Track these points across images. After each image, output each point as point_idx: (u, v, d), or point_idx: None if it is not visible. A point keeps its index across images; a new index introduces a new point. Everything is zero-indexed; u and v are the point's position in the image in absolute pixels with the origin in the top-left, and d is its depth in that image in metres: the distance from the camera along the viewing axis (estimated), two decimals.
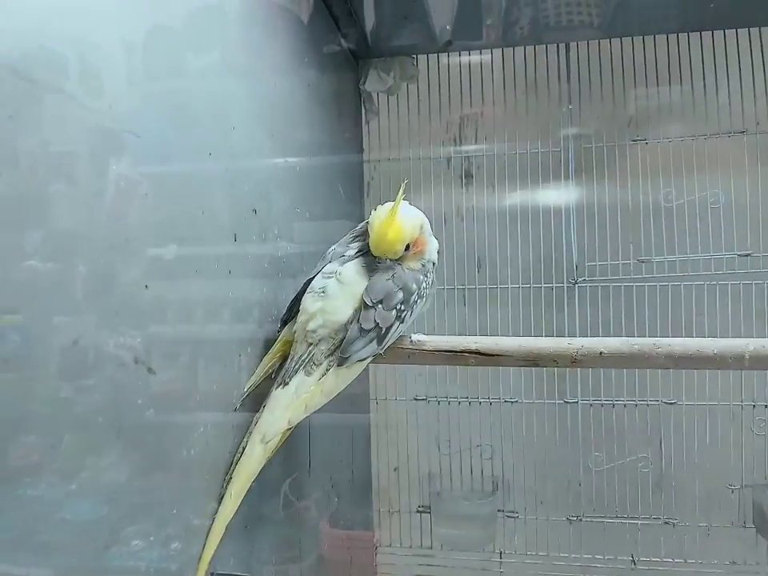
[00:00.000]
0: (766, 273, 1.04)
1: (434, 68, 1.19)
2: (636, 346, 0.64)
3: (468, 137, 1.21)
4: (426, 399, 1.17)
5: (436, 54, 1.19)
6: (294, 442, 0.64)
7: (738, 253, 1.05)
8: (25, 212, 0.36)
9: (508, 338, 0.68)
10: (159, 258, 0.49)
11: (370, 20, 1.07)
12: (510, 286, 1.14)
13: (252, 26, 0.70)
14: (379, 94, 1.21)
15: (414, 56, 1.20)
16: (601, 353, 0.64)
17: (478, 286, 1.15)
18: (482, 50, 1.17)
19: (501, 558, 1.16)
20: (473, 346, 0.66)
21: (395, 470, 1.22)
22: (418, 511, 1.21)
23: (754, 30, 1.07)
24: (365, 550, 1.19)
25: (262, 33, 0.73)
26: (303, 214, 0.84)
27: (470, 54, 1.18)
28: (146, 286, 0.47)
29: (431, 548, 1.20)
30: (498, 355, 0.66)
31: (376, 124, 1.22)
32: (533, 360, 0.66)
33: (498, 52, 1.17)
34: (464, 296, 1.16)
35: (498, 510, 1.16)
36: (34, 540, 0.36)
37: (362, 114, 1.23)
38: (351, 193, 1.13)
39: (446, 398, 1.17)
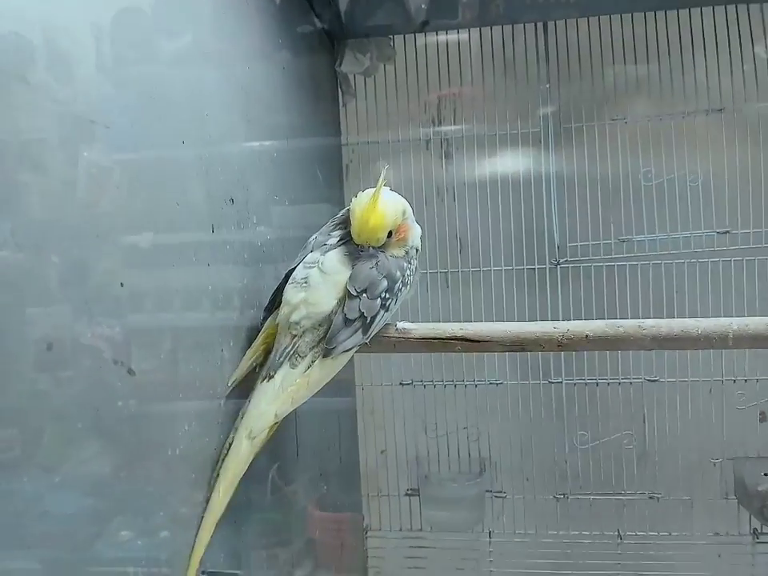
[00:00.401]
0: (744, 249, 1.05)
1: (410, 48, 1.17)
2: (621, 328, 0.64)
3: (446, 117, 1.19)
4: (411, 384, 1.17)
5: (413, 35, 1.16)
6: (281, 428, 0.63)
7: (717, 230, 1.06)
8: None
9: (493, 323, 0.68)
10: (134, 247, 0.48)
11: (344, 0, 1.05)
12: (492, 268, 1.13)
13: (224, 8, 0.67)
14: (356, 75, 1.19)
15: (391, 37, 1.17)
16: (587, 336, 0.65)
17: (460, 269, 1.15)
18: (459, 30, 1.15)
19: (490, 538, 1.17)
20: (459, 333, 0.66)
21: (382, 452, 1.22)
22: (406, 494, 1.22)
23: (731, 8, 1.06)
24: (354, 534, 1.20)
25: (235, 15, 0.70)
26: (282, 200, 0.82)
27: (447, 34, 1.16)
28: (122, 284, 0.45)
29: (421, 530, 1.21)
30: (484, 341, 0.66)
31: (353, 106, 1.20)
32: (519, 345, 0.65)
33: (475, 32, 1.15)
34: (446, 279, 1.16)
35: (486, 491, 1.17)
36: (19, 533, 0.36)
37: (338, 97, 1.20)
38: (330, 177, 1.12)
39: (432, 381, 1.17)
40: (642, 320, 0.65)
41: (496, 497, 1.18)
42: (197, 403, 0.57)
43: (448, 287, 1.16)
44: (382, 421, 1.21)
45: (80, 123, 0.42)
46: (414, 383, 1.17)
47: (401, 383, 1.17)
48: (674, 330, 0.64)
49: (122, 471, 0.45)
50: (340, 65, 1.17)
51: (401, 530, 1.21)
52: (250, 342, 0.66)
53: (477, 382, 1.15)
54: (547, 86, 1.12)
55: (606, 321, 0.66)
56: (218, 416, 0.59)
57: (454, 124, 1.19)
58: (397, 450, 1.21)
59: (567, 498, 1.15)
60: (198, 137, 0.59)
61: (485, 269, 1.14)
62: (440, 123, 1.20)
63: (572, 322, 0.67)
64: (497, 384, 1.14)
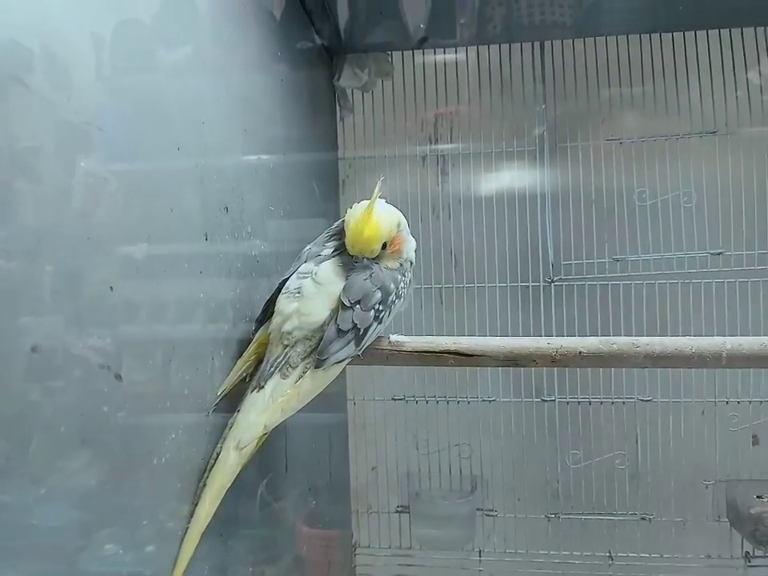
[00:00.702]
0: (737, 271, 1.06)
1: (408, 65, 1.18)
2: (615, 346, 0.64)
3: (443, 135, 1.20)
4: (403, 399, 1.16)
5: (411, 51, 1.17)
6: (270, 442, 0.63)
7: (711, 251, 1.07)
8: None
9: (487, 338, 0.67)
10: (128, 257, 0.48)
11: (343, 15, 1.06)
12: (486, 285, 1.13)
13: (224, 20, 0.68)
14: (354, 90, 1.20)
15: (389, 53, 1.19)
16: (580, 352, 0.64)
17: (455, 285, 1.15)
18: (457, 48, 1.16)
19: (480, 557, 1.16)
20: (452, 347, 0.66)
21: (373, 468, 1.21)
22: (396, 511, 1.20)
23: (725, 32, 1.08)
24: (343, 551, 1.18)
25: (234, 27, 0.71)
26: (277, 212, 0.82)
27: (444, 52, 1.17)
28: (111, 288, 0.45)
29: (410, 548, 1.19)
30: (477, 355, 0.65)
31: (351, 121, 1.21)
32: (513, 360, 0.65)
33: (472, 50, 1.16)
34: (441, 295, 1.16)
35: (477, 509, 1.16)
36: (4, 545, 0.35)
37: (336, 111, 1.21)
38: (326, 190, 1.12)
39: (424, 397, 1.16)
40: (636, 338, 0.65)
41: (487, 515, 1.17)
42: (185, 413, 0.56)
43: (442, 303, 1.16)
44: (373, 436, 1.20)
45: (76, 131, 0.42)
46: (407, 398, 1.16)
47: (393, 398, 1.17)
48: (667, 348, 0.63)
49: (107, 482, 0.44)
50: (338, 79, 1.18)
51: (390, 547, 1.20)
52: (240, 352, 0.65)
53: (470, 399, 1.15)
54: (543, 106, 1.13)
55: (600, 338, 0.66)
56: (206, 426, 0.58)
57: (451, 142, 1.20)
58: (388, 465, 1.20)
59: (558, 517, 1.14)
60: (194, 146, 0.59)
61: (479, 285, 1.14)
62: (437, 141, 1.21)
63: (566, 338, 0.67)
64: (490, 401, 1.14)
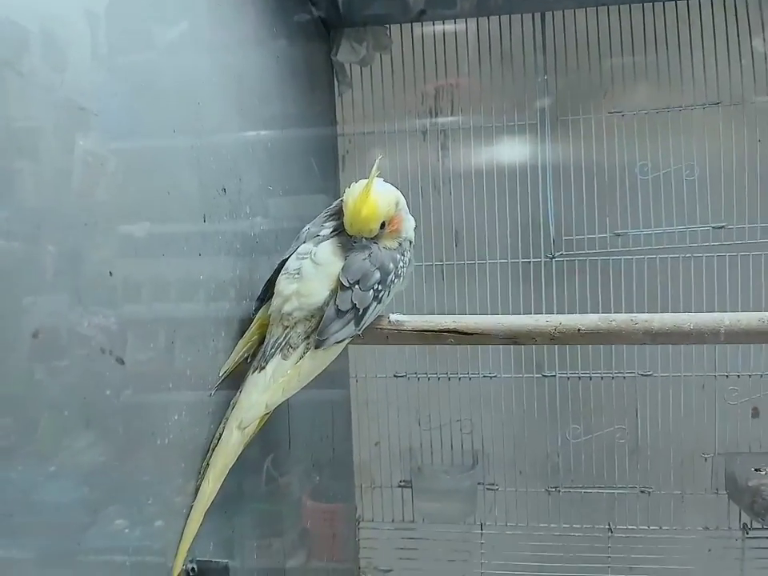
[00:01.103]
0: (740, 245, 1.05)
1: (407, 38, 1.16)
2: (614, 323, 0.64)
3: (443, 109, 1.19)
4: (405, 376, 1.17)
5: (410, 24, 1.15)
6: (274, 420, 0.63)
7: (713, 225, 1.06)
8: None
9: (487, 316, 0.68)
10: (127, 237, 0.48)
11: None
12: (487, 262, 1.13)
13: None
14: (352, 65, 1.18)
15: (387, 26, 1.16)
16: (579, 329, 0.64)
17: (456, 262, 1.15)
18: (456, 20, 1.14)
19: (482, 530, 1.18)
20: (451, 325, 0.66)
21: (376, 444, 1.22)
22: (399, 486, 1.22)
23: (729, 1, 1.06)
24: (347, 524, 1.20)
25: (229, 3, 0.69)
26: (276, 191, 0.81)
27: (444, 24, 1.15)
28: (110, 273, 0.45)
29: (413, 521, 1.21)
30: (476, 334, 0.65)
31: (349, 96, 1.19)
32: (512, 338, 0.65)
33: (472, 22, 1.14)
34: (442, 272, 1.16)
35: (478, 483, 1.18)
36: (11, 522, 0.35)
37: (334, 86, 1.19)
38: (326, 167, 1.11)
39: (426, 374, 1.17)
40: (635, 314, 0.65)
41: (488, 489, 1.19)
42: (188, 393, 0.56)
43: (443, 279, 1.15)
44: (375, 412, 1.21)
45: (73, 111, 0.41)
46: (408, 375, 1.17)
47: (395, 375, 1.17)
48: (666, 324, 0.63)
49: (113, 461, 0.45)
50: (336, 54, 1.16)
51: (393, 521, 1.22)
52: (242, 332, 0.65)
53: (471, 375, 1.15)
54: (545, 77, 1.12)
55: (599, 315, 0.66)
56: (208, 406, 0.59)
57: (451, 115, 1.18)
58: (390, 441, 1.21)
59: (559, 491, 1.15)
60: (191, 126, 0.59)
61: (480, 262, 1.14)
62: (437, 114, 1.19)
63: (565, 315, 0.67)
64: (491, 377, 1.15)
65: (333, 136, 1.19)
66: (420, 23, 1.15)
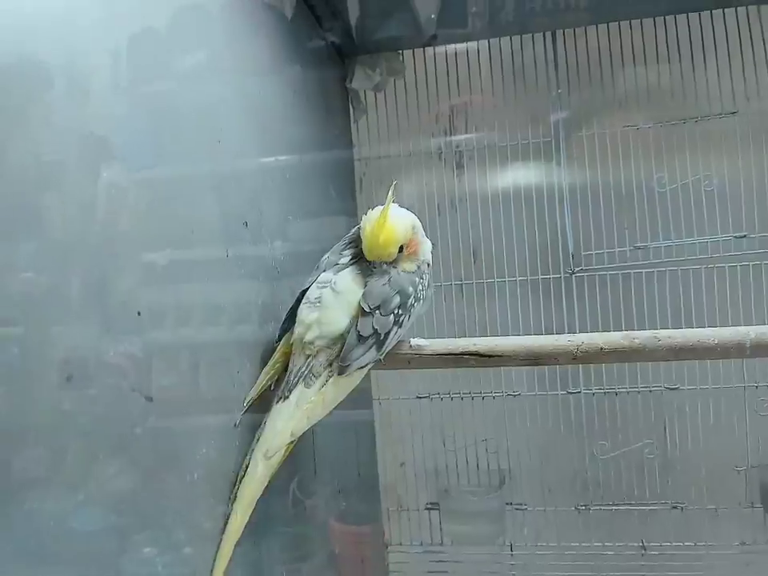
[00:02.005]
0: (762, 254, 1.04)
1: (420, 62, 1.17)
2: (637, 340, 0.64)
3: (458, 127, 1.20)
4: (428, 397, 1.17)
5: (422, 49, 1.17)
6: (299, 445, 0.64)
7: (734, 235, 1.05)
8: (18, 223, 0.36)
9: (508, 337, 0.68)
10: (151, 266, 0.49)
11: (354, 14, 1.05)
12: (507, 279, 1.13)
13: (236, 25, 0.69)
14: (366, 91, 1.20)
15: (400, 51, 1.18)
16: (601, 348, 0.64)
17: (475, 281, 1.15)
18: (468, 42, 1.16)
19: (512, 551, 1.16)
20: (472, 348, 0.66)
21: (402, 465, 1.22)
22: (426, 508, 1.21)
23: (741, 10, 1.06)
24: (375, 548, 1.20)
25: (246, 32, 0.71)
26: (295, 217, 0.83)
27: (456, 44, 1.16)
28: (139, 313, 0.46)
29: (441, 544, 1.20)
30: (497, 356, 0.65)
31: (365, 121, 1.21)
32: (533, 359, 0.65)
33: (484, 42, 1.15)
34: (461, 290, 1.16)
35: (507, 503, 1.16)
36: (43, 552, 0.36)
37: (349, 112, 1.21)
38: (343, 191, 1.12)
39: (449, 394, 1.16)
40: (658, 331, 0.65)
41: (517, 509, 1.17)
42: (214, 424, 0.57)
43: (463, 298, 1.15)
44: (400, 434, 1.20)
45: (96, 144, 0.43)
46: (432, 396, 1.17)
47: (418, 396, 1.17)
48: (689, 340, 0.63)
49: (141, 489, 0.46)
50: (351, 81, 1.18)
51: (421, 543, 1.21)
52: (264, 362, 0.66)
53: (494, 394, 1.15)
54: (558, 91, 1.12)
55: (622, 333, 0.66)
56: (234, 439, 0.60)
57: (466, 133, 1.19)
58: (416, 463, 1.21)
59: (589, 509, 1.13)
60: (212, 156, 0.60)
61: (499, 280, 1.14)
62: (452, 133, 1.20)
63: (587, 334, 0.67)
64: (515, 395, 1.14)
65: (350, 160, 1.21)
66: (432, 47, 1.17)
